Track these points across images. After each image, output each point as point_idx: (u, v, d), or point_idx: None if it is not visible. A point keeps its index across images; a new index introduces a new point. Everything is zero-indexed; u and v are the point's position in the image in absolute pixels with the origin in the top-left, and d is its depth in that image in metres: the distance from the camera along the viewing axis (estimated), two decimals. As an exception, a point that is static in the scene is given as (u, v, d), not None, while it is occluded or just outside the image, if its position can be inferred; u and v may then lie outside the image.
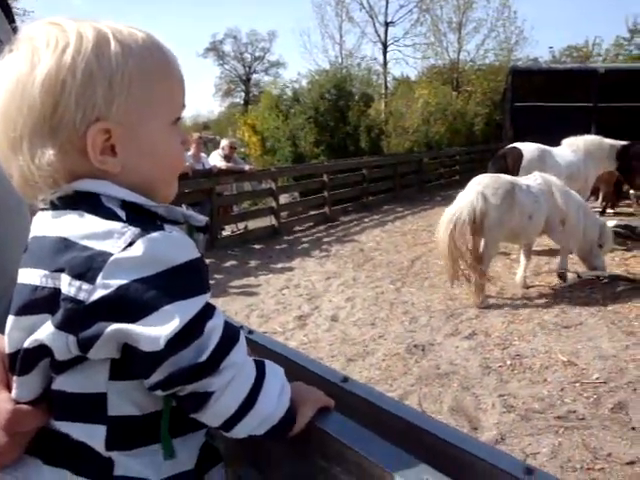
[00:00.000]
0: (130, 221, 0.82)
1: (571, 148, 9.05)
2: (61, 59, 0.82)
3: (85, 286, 0.78)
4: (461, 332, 5.36)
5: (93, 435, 0.85)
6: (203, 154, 10.01)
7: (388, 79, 26.58)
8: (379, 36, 27.19)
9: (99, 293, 0.77)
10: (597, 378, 4.33)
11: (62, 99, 0.82)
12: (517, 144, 9.03)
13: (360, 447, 0.78)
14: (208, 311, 0.84)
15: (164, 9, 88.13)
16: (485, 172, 8.29)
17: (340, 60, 27.54)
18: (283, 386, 0.93)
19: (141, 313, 0.78)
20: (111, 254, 0.78)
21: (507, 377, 4.43)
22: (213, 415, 0.85)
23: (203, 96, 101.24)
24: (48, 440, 0.87)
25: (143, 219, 0.84)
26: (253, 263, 8.47)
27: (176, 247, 0.83)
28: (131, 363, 0.81)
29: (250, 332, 1.28)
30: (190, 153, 9.48)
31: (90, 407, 0.85)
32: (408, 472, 0.71)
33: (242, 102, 50.18)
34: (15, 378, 0.85)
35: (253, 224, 10.80)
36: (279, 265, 8.27)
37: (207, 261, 0.91)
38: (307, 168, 12.99)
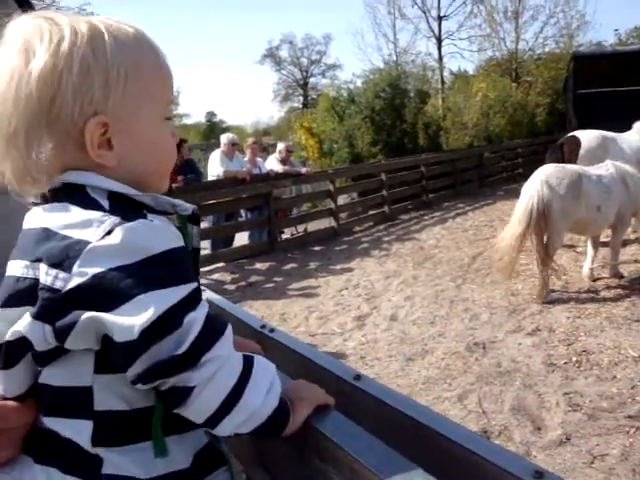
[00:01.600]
0: (113, 211, 0.82)
1: None
2: (57, 53, 0.83)
3: (62, 274, 0.78)
4: (524, 328, 5.18)
5: (79, 431, 0.84)
6: (259, 159, 10.10)
7: (445, 74, 26.16)
8: (433, 31, 26.83)
9: (75, 281, 0.77)
10: (670, 374, 4.10)
11: (59, 93, 0.83)
12: (576, 132, 8.60)
13: (353, 449, 0.75)
14: (189, 302, 0.81)
15: (216, 16, 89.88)
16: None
17: (394, 58, 27.28)
18: (272, 383, 0.90)
19: (116, 302, 0.77)
20: (89, 242, 0.78)
21: (573, 374, 4.25)
22: (196, 411, 0.83)
23: (262, 102, 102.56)
24: (38, 438, 0.87)
25: (127, 209, 0.84)
26: (312, 265, 8.47)
27: (155, 235, 0.82)
28: (111, 355, 0.80)
29: (272, 330, 1.25)
30: (246, 158, 9.60)
31: (76, 401, 0.84)
32: (399, 477, 0.66)
33: (300, 106, 50.51)
34: (1, 373, 0.85)
35: (312, 226, 10.81)
36: (338, 266, 8.24)
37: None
38: (364, 168, 12.92)
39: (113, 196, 0.86)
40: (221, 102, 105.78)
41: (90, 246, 0.78)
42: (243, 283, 7.58)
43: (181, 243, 0.85)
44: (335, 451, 0.79)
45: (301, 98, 54.95)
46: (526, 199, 5.95)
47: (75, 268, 0.77)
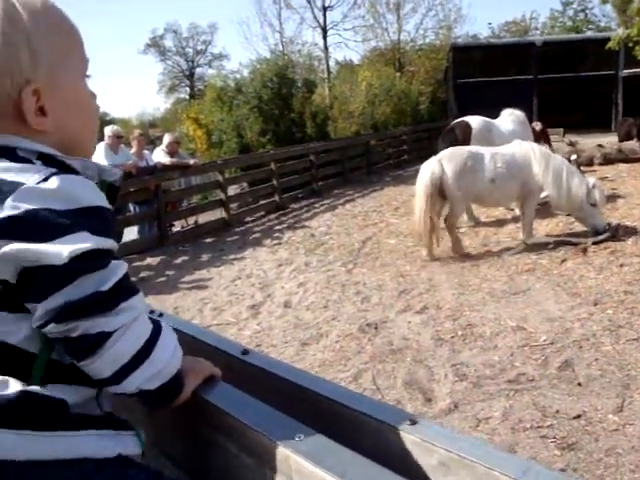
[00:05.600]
0: (46, 166, 0.85)
1: (510, 118, 9.47)
2: None
3: None
4: (413, 307, 5.41)
5: None
6: (146, 151, 9.84)
7: (331, 64, 26.60)
8: (318, 21, 27.19)
9: (5, 213, 0.78)
10: (544, 340, 4.43)
11: None
12: (465, 118, 9.42)
13: (241, 415, 0.78)
14: (113, 254, 0.86)
15: (97, 5, 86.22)
16: (434, 149, 8.65)
17: (281, 48, 27.36)
18: (176, 345, 0.94)
19: (47, 236, 0.79)
20: (24, 184, 0.80)
21: (459, 347, 4.49)
22: (107, 360, 0.84)
23: (147, 94, 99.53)
24: None
25: (60, 167, 0.87)
26: (205, 257, 8.37)
27: (90, 191, 0.86)
28: (29, 287, 0.81)
29: (160, 315, 1.25)
30: (133, 151, 9.31)
31: None
32: (285, 434, 0.69)
33: (187, 97, 49.47)
34: None
35: (203, 218, 10.67)
36: (231, 257, 8.20)
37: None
38: (253, 158, 12.87)
39: (43, 157, 0.87)
40: (104, 94, 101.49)
41: (26, 185, 0.80)
42: (134, 279, 7.33)
43: (109, 206, 0.89)
44: (224, 418, 0.81)
45: (188, 89, 53.81)
46: (421, 176, 6.90)
47: (8, 201, 0.79)
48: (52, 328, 0.80)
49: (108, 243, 0.85)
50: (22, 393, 0.81)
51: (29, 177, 0.81)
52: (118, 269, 0.85)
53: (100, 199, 0.87)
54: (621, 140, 15.48)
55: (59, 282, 0.79)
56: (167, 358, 0.89)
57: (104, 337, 0.81)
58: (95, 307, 0.80)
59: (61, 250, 0.78)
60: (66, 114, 0.92)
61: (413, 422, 0.71)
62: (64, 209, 0.80)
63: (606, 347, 4.22)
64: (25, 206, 0.78)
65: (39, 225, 0.79)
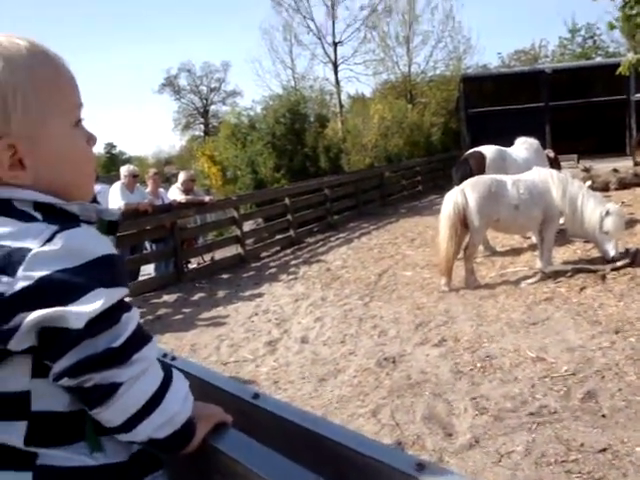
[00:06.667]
0: (48, 220, 0.85)
1: (524, 146, 9.50)
2: None
3: (5, 279, 0.79)
4: (430, 340, 5.35)
5: (11, 432, 0.85)
6: (162, 189, 9.96)
7: (342, 98, 26.87)
8: (329, 56, 27.53)
9: (20, 284, 0.79)
10: (566, 370, 4.36)
11: None
12: (477, 148, 9.43)
13: (250, 462, 0.77)
14: (125, 304, 0.87)
15: (113, 47, 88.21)
16: (447, 180, 8.71)
17: (293, 83, 27.70)
18: (188, 392, 0.94)
19: (63, 300, 0.79)
20: (30, 249, 0.80)
21: (478, 379, 4.43)
22: (118, 409, 0.84)
23: (163, 132, 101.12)
24: None
25: (61, 218, 0.87)
26: (221, 293, 8.38)
27: (94, 241, 0.86)
28: (46, 346, 0.82)
29: (173, 359, 1.25)
30: (148, 189, 9.43)
31: (12, 405, 0.85)
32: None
33: (202, 134, 50.17)
34: None
35: (219, 254, 10.72)
36: (247, 293, 8.20)
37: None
38: (268, 193, 12.96)
39: (41, 207, 0.87)
40: (121, 133, 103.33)
41: (33, 251, 0.80)
42: (150, 317, 7.39)
43: (115, 250, 0.89)
44: (235, 467, 0.81)
45: (202, 126, 54.62)
46: (445, 207, 6.93)
47: (20, 272, 0.79)
48: (66, 382, 0.82)
49: (121, 292, 0.86)
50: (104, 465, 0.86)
51: (33, 240, 0.81)
52: (130, 322, 0.86)
53: (106, 246, 0.87)
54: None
55: (75, 342, 0.80)
56: (178, 406, 0.89)
57: (116, 387, 0.82)
58: (108, 362, 0.82)
59: (80, 314, 0.79)
60: (49, 166, 0.91)
61: (421, 467, 0.70)
62: (74, 266, 0.81)
63: (630, 377, 4.14)
64: (37, 274, 0.79)
65: (54, 290, 0.79)
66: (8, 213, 0.85)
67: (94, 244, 0.85)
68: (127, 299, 0.87)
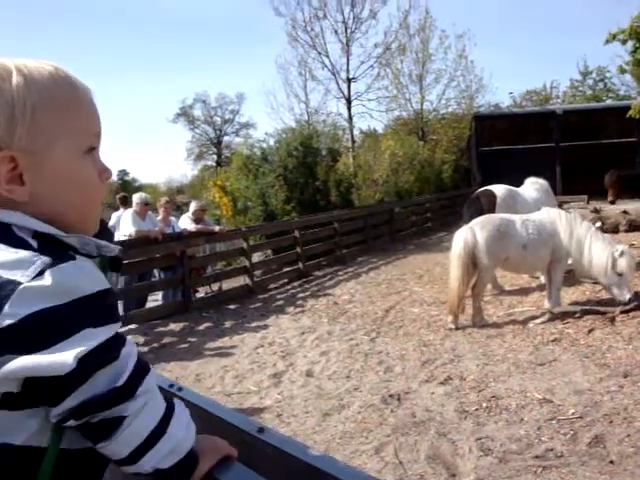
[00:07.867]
0: (42, 251, 0.83)
1: (534, 187, 9.54)
2: None
3: None
4: (436, 378, 5.31)
5: None
6: (172, 218, 10.02)
7: (355, 133, 27.00)
8: (342, 92, 27.70)
9: (5, 322, 0.77)
10: (573, 413, 4.30)
11: None
12: (489, 186, 9.54)
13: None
14: (121, 338, 0.85)
15: (128, 75, 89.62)
16: (457, 217, 8.74)
17: (306, 117, 27.94)
18: (189, 420, 0.94)
19: (48, 341, 0.77)
20: (20, 283, 0.78)
21: (484, 420, 4.38)
22: (124, 442, 0.84)
23: (176, 160, 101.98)
24: None
25: (56, 250, 0.85)
26: (228, 324, 8.37)
27: (85, 277, 0.84)
28: (39, 394, 0.80)
29: (180, 389, 1.26)
30: (159, 217, 9.51)
31: None
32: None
33: (214, 164, 50.58)
34: None
35: (227, 284, 10.73)
36: (253, 324, 8.18)
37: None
38: (277, 225, 12.99)
39: (40, 236, 0.86)
40: (134, 160, 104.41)
41: (21, 287, 0.78)
42: (156, 345, 7.38)
43: (108, 285, 0.87)
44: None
45: (215, 156, 55.11)
46: (455, 245, 6.95)
47: (6, 308, 0.77)
48: (72, 423, 0.81)
49: (113, 329, 0.84)
50: None
51: (23, 273, 0.79)
52: (130, 358, 0.85)
53: (97, 282, 0.85)
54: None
55: (72, 385, 0.79)
56: (182, 433, 0.90)
57: (121, 419, 0.82)
58: (116, 400, 0.81)
59: (65, 359, 0.76)
60: (50, 188, 0.89)
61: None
62: (62, 303, 0.79)
63: (639, 422, 4.08)
64: (22, 312, 0.77)
65: (39, 331, 0.77)
66: (5, 239, 0.84)
67: (85, 280, 0.83)
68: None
